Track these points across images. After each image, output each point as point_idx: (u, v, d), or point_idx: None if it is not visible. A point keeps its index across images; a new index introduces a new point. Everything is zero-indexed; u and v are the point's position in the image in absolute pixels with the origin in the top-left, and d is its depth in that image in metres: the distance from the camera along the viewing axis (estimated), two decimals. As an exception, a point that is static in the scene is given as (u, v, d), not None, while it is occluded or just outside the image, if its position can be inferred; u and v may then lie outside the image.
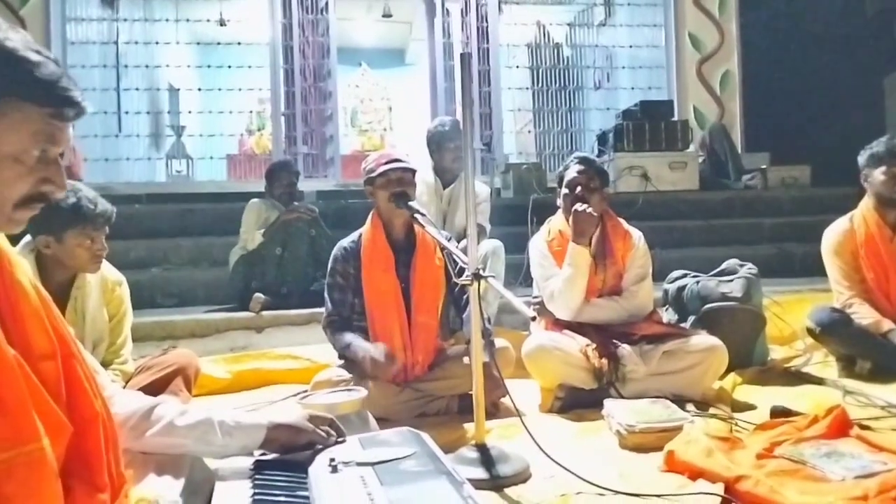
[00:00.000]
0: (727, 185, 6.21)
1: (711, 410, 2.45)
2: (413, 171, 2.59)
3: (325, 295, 2.64)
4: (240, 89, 7.28)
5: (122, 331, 2.50)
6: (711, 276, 3.29)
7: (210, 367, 3.14)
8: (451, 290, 2.64)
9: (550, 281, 2.79)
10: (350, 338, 2.52)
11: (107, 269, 2.41)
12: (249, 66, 7.18)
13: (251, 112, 9.15)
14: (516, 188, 5.74)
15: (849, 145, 3.16)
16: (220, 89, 7.34)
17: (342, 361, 2.68)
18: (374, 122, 11.15)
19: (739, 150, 6.69)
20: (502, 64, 7.34)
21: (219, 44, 7.74)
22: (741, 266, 3.30)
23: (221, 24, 7.90)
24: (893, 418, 2.30)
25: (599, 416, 2.38)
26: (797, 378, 2.99)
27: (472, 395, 1.99)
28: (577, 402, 2.55)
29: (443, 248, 2.42)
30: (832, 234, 3.15)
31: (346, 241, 2.66)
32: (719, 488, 1.67)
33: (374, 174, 2.55)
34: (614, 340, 2.66)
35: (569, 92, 7.85)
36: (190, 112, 7.77)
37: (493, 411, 2.44)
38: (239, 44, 7.41)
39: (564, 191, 2.83)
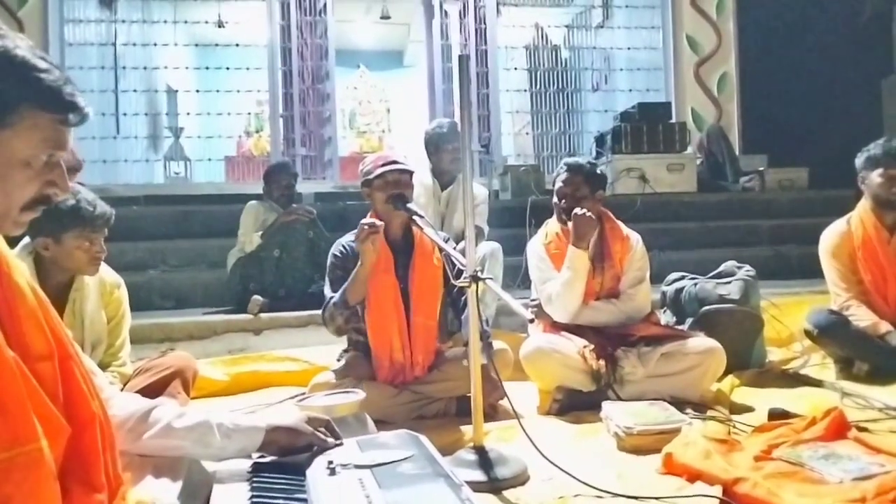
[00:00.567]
0: (725, 188, 6.22)
1: (709, 412, 2.45)
2: (411, 173, 2.58)
3: (325, 290, 2.60)
4: (238, 91, 7.29)
5: (121, 333, 2.49)
6: (709, 278, 3.30)
7: (208, 370, 3.14)
8: (449, 292, 2.63)
9: (548, 284, 2.79)
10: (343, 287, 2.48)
11: (105, 270, 2.41)
12: (248, 68, 7.19)
13: (249, 114, 9.15)
14: (514, 190, 5.74)
15: (846, 148, 3.17)
16: (218, 91, 7.34)
17: (338, 365, 2.68)
18: (373, 124, 11.16)
19: (737, 153, 6.70)
20: (500, 66, 7.35)
21: (217, 45, 7.75)
22: (739, 268, 3.31)
23: (220, 26, 7.91)
24: (891, 420, 2.30)
25: (597, 419, 2.38)
26: (795, 380, 3.00)
27: (470, 397, 1.99)
28: (575, 405, 2.55)
29: (441, 250, 2.42)
30: (829, 237, 3.15)
31: (344, 240, 2.65)
32: (717, 490, 1.67)
33: (371, 176, 2.55)
34: (612, 342, 2.66)
35: (567, 94, 7.86)
36: (188, 114, 7.77)
37: (492, 413, 2.44)
38: (237, 45, 7.42)
39: (554, 199, 2.85)
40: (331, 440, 1.41)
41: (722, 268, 3.35)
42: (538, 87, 7.88)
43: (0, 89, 0.94)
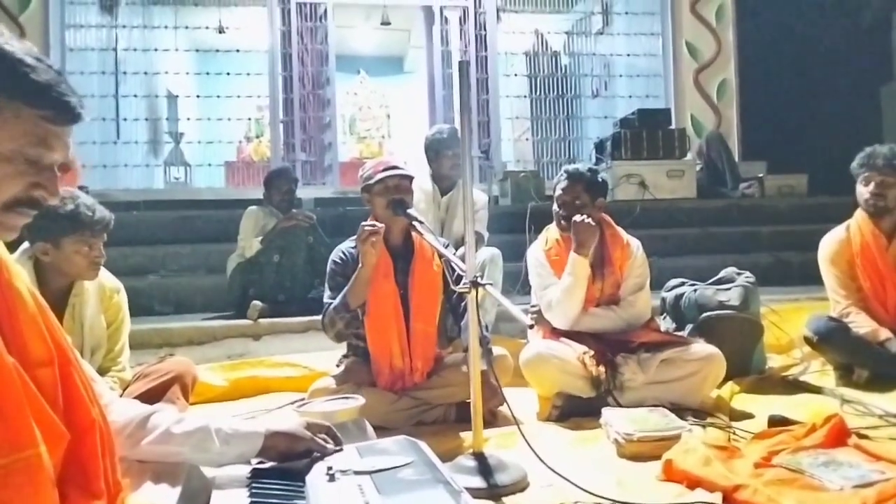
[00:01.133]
0: (724, 194, 6.23)
1: (709, 419, 2.44)
2: (410, 178, 2.59)
3: (325, 297, 2.60)
4: (238, 96, 7.31)
5: (120, 338, 2.49)
6: (709, 284, 3.30)
7: (207, 375, 3.13)
8: (448, 298, 2.63)
9: (548, 290, 2.79)
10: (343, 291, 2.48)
11: (105, 275, 2.41)
12: (248, 74, 7.21)
13: (249, 119, 9.17)
14: (514, 196, 5.75)
15: (846, 154, 3.17)
16: (218, 96, 7.37)
17: (337, 370, 2.68)
18: (373, 130, 11.16)
19: (736, 159, 6.71)
20: (500, 72, 7.38)
21: (217, 51, 7.76)
22: (739, 274, 3.31)
23: (220, 32, 7.92)
24: (891, 427, 2.29)
25: (597, 425, 2.37)
26: (795, 387, 2.99)
27: (469, 403, 1.99)
28: (574, 411, 2.55)
29: (441, 256, 2.41)
30: (828, 243, 3.15)
31: (343, 246, 2.65)
32: (717, 497, 1.67)
33: (371, 181, 2.55)
34: (612, 349, 2.66)
35: (566, 100, 7.88)
36: (188, 119, 7.80)
37: (491, 420, 2.43)
38: (238, 51, 7.44)
39: (554, 206, 2.85)
40: (330, 445, 1.40)
41: (722, 274, 3.35)
42: (538, 93, 7.90)
43: None
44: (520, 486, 1.87)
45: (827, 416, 2.05)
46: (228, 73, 7.29)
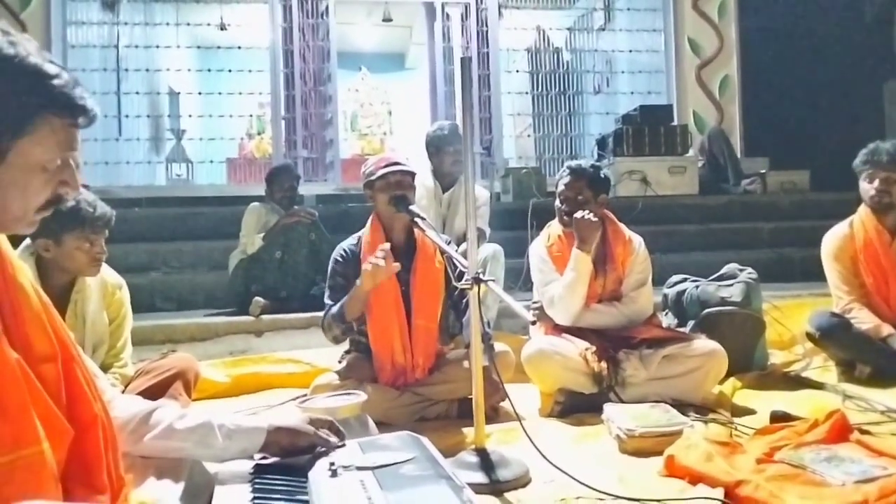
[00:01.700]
0: (726, 190, 6.21)
1: (711, 415, 2.44)
2: (413, 175, 2.59)
3: (326, 297, 2.62)
4: (240, 93, 7.29)
5: (122, 334, 2.50)
6: (711, 280, 3.29)
7: (209, 371, 3.14)
8: (450, 294, 2.63)
9: (550, 286, 2.79)
10: (342, 301, 2.50)
11: (107, 272, 2.41)
12: (250, 70, 7.18)
13: (251, 116, 9.17)
14: (516, 192, 5.75)
15: (848, 150, 3.17)
16: (220, 93, 7.35)
17: (339, 366, 2.68)
18: (374, 126, 11.16)
19: (739, 155, 6.69)
20: (502, 68, 7.35)
21: (219, 48, 7.74)
22: (741, 270, 3.30)
23: (222, 28, 7.91)
24: (893, 423, 2.30)
25: (599, 421, 2.37)
26: (797, 383, 2.99)
27: (471, 399, 1.99)
28: (576, 407, 2.55)
29: (443, 252, 2.41)
30: (831, 239, 3.15)
31: (345, 244, 2.66)
32: (719, 493, 1.67)
33: (373, 177, 2.55)
34: (614, 345, 2.66)
35: (568, 96, 7.86)
36: (190, 116, 7.78)
37: (493, 415, 2.44)
38: (239, 48, 7.42)
39: (556, 202, 2.85)
40: (333, 440, 1.40)
41: (724, 270, 3.35)
42: (540, 89, 7.87)
43: (19, 100, 0.96)
44: (522, 482, 1.87)
45: (829, 412, 2.05)
46: (230, 70, 7.28)
